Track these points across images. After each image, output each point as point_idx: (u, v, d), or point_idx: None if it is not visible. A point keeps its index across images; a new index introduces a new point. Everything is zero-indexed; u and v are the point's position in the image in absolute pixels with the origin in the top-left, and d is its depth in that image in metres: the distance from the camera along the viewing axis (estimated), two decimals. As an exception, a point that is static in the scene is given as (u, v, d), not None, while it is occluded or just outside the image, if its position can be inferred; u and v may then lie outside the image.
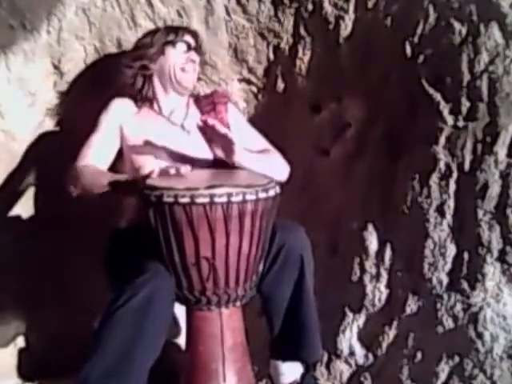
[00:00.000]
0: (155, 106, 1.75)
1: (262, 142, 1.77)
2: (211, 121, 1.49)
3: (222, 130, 1.50)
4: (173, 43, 1.73)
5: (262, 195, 1.36)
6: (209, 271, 1.37)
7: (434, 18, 1.62)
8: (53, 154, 1.96)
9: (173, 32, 1.75)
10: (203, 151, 1.64)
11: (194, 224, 1.32)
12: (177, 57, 1.73)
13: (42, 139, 1.98)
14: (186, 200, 1.30)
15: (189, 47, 1.74)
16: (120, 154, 1.71)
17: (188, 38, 1.76)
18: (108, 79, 1.82)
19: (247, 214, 1.35)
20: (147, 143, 1.64)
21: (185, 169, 1.42)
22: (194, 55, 1.75)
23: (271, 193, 1.39)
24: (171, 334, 1.81)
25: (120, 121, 1.69)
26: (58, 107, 1.98)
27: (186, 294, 1.41)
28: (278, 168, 1.68)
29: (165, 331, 1.38)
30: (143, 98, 1.74)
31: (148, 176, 1.40)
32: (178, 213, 1.32)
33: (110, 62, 1.92)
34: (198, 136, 1.59)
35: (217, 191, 1.31)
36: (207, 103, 1.79)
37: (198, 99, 1.82)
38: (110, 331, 1.29)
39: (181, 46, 1.73)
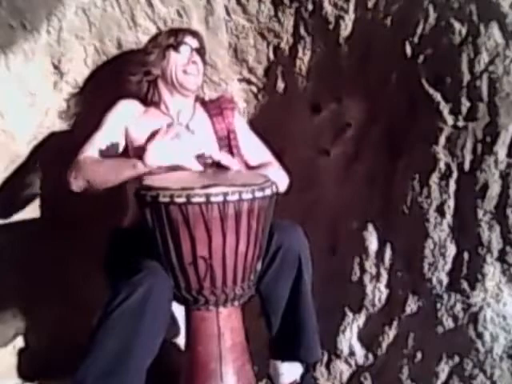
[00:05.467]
0: (162, 107, 1.76)
1: (264, 153, 1.81)
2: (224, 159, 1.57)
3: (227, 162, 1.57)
4: (173, 46, 1.73)
5: (259, 194, 1.36)
6: (206, 271, 1.37)
7: (434, 17, 1.61)
8: (53, 154, 1.96)
9: (173, 35, 1.76)
10: (205, 151, 1.64)
11: (190, 224, 1.32)
12: (178, 59, 1.73)
13: (42, 139, 1.98)
14: (181, 200, 1.30)
15: (190, 49, 1.74)
16: (125, 153, 1.70)
17: (189, 39, 1.75)
18: (112, 81, 1.83)
19: (243, 213, 1.35)
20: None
21: (179, 128, 1.54)
22: (195, 56, 1.75)
23: (268, 192, 1.39)
24: (171, 335, 1.81)
25: (126, 121, 1.70)
26: (60, 107, 1.98)
27: (183, 293, 1.41)
28: (276, 181, 1.70)
29: (163, 330, 1.38)
30: (150, 102, 1.76)
31: (143, 150, 1.43)
32: (174, 212, 1.32)
33: (113, 64, 1.93)
34: (202, 136, 1.65)
35: (212, 190, 1.31)
36: (214, 107, 1.80)
37: (204, 103, 1.84)
38: (108, 330, 1.29)
39: (182, 49, 1.73)
